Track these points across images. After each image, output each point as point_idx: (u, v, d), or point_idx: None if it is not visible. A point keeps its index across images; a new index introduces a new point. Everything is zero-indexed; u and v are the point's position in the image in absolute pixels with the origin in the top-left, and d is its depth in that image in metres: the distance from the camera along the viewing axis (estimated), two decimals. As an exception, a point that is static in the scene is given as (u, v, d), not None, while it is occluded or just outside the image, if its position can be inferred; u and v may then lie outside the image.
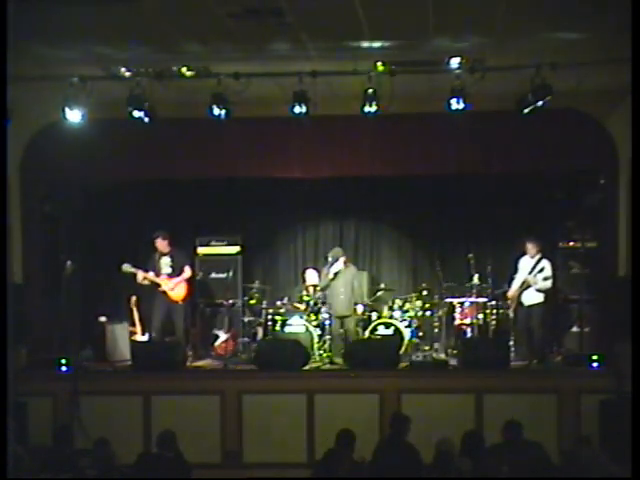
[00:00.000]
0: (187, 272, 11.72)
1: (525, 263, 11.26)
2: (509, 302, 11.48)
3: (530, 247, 11.20)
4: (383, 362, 10.51)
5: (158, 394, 10.30)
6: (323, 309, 11.97)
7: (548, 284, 11.04)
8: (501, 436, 7.54)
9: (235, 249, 12.92)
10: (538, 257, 11.14)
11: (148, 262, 11.68)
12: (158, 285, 11.58)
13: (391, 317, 12.01)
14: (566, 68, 8.77)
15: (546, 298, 11.14)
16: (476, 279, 11.80)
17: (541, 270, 11.02)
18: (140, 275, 11.51)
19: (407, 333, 11.78)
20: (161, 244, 11.64)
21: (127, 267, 11.49)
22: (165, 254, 11.67)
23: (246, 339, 12.40)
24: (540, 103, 9.12)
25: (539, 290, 11.05)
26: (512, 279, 11.41)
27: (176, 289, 11.60)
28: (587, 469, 6.77)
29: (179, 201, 13.06)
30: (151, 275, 11.56)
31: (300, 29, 7.88)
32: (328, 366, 11.18)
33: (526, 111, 9.43)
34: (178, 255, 11.77)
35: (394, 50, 8.70)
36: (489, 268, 11.85)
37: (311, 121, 9.72)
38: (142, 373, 10.56)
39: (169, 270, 11.64)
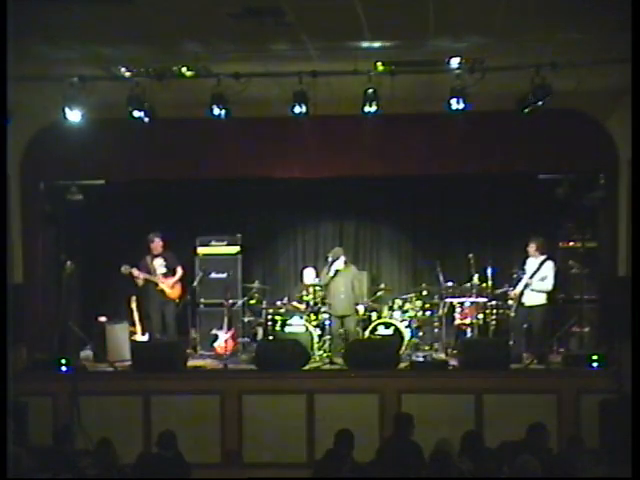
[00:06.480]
0: (180, 272, 12.02)
1: (530, 264, 11.26)
2: (511, 302, 11.47)
3: (531, 248, 11.21)
4: (383, 362, 10.51)
5: (158, 394, 10.30)
6: (323, 309, 11.97)
7: (544, 285, 11.01)
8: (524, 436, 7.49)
9: (235, 249, 12.93)
10: (542, 258, 11.15)
11: (140, 263, 11.77)
12: (156, 284, 11.76)
13: (391, 317, 12.02)
14: (566, 68, 8.76)
15: (548, 300, 11.12)
16: (476, 279, 11.79)
17: (539, 271, 11.03)
18: (139, 275, 11.64)
19: (407, 333, 11.78)
20: (156, 245, 11.83)
21: (126, 268, 11.61)
22: (158, 255, 11.89)
23: (246, 339, 12.42)
24: (540, 103, 9.12)
25: (534, 290, 11.04)
26: (515, 279, 11.39)
27: (173, 288, 11.88)
28: (576, 468, 6.76)
29: (179, 201, 13.06)
30: (148, 275, 11.72)
31: (300, 29, 7.87)
32: (328, 366, 11.17)
33: (526, 111, 9.43)
34: (171, 256, 12.03)
35: (394, 50, 8.69)
36: (489, 268, 11.83)
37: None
38: (142, 373, 10.56)
39: (163, 270, 11.92)
